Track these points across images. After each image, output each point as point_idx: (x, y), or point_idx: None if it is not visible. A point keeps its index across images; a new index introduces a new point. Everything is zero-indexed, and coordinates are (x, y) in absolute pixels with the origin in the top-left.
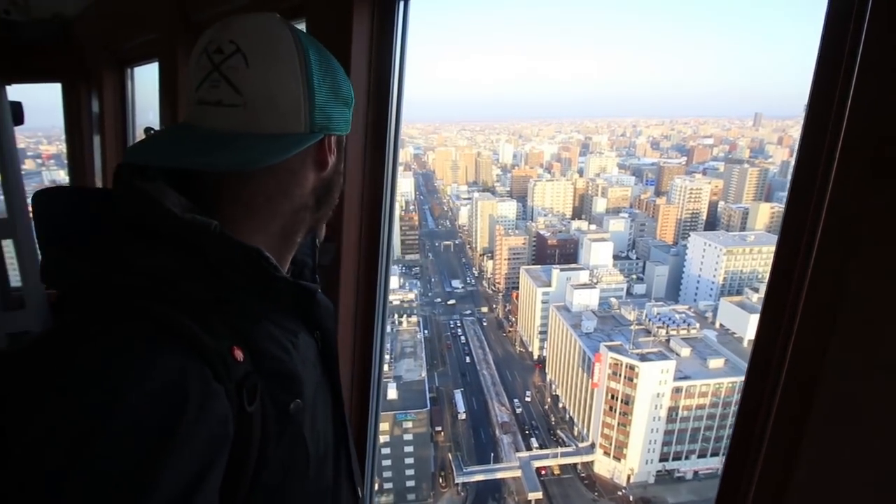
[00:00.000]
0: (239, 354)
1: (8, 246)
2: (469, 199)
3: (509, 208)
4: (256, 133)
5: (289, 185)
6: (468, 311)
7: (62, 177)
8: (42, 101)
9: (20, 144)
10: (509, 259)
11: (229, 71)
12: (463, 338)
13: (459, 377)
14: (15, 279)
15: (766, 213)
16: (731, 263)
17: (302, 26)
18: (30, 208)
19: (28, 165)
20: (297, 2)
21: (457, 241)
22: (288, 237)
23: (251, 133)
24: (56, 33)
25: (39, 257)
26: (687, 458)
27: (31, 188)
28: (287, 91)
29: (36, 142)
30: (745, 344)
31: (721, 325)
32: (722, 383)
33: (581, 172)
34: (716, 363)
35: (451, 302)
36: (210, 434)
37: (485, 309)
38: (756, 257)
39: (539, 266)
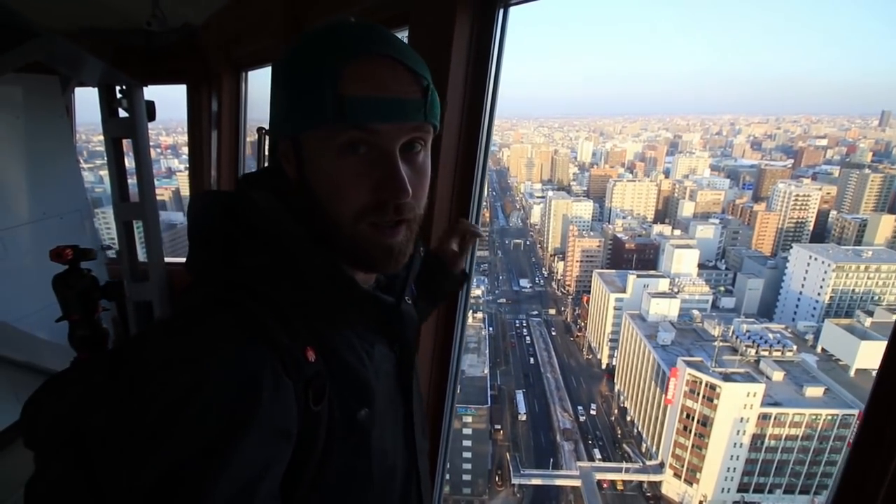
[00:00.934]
0: (311, 355)
1: (138, 226)
2: (543, 197)
3: (585, 208)
4: None
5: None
6: (535, 312)
7: (176, 165)
8: (162, 98)
9: None
10: (581, 261)
11: None
12: (528, 338)
13: (522, 378)
14: (142, 255)
15: (889, 226)
16: (840, 281)
17: (405, 34)
18: (157, 194)
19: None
20: (402, 10)
21: (527, 241)
22: (336, 249)
23: None
24: (185, 40)
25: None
26: (771, 491)
27: None
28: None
29: (157, 134)
30: (853, 373)
31: (823, 349)
32: (819, 414)
33: (667, 173)
34: (814, 391)
35: (503, 300)
36: (277, 423)
37: (552, 311)
38: (873, 276)
39: (614, 270)
